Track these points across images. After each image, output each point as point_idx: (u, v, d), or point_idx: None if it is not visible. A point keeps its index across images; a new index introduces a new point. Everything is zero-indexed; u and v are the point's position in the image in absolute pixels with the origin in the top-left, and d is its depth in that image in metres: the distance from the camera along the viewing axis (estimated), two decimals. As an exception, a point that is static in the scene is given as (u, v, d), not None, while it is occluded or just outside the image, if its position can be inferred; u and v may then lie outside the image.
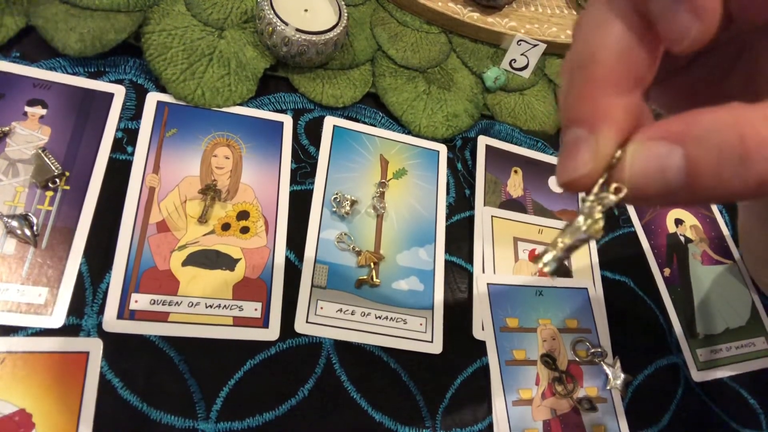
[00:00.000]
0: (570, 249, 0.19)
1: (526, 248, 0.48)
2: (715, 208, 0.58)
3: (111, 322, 0.36)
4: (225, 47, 0.46)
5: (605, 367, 0.44)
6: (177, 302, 0.37)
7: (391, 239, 0.45)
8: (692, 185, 0.16)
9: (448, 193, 0.49)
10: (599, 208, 0.18)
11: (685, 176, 0.16)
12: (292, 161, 0.45)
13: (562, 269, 0.24)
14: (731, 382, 0.49)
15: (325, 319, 0.40)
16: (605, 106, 0.17)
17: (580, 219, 0.19)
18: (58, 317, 0.35)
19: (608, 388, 0.44)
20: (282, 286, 0.40)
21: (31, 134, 0.39)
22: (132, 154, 0.41)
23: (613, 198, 0.18)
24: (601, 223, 0.18)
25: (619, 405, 0.44)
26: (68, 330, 0.35)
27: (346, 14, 0.47)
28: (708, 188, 0.16)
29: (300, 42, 0.45)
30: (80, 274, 0.36)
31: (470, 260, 0.46)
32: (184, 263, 0.39)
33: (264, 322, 0.39)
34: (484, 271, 0.46)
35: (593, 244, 0.51)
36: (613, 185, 0.18)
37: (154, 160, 0.41)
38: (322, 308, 0.40)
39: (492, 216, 0.48)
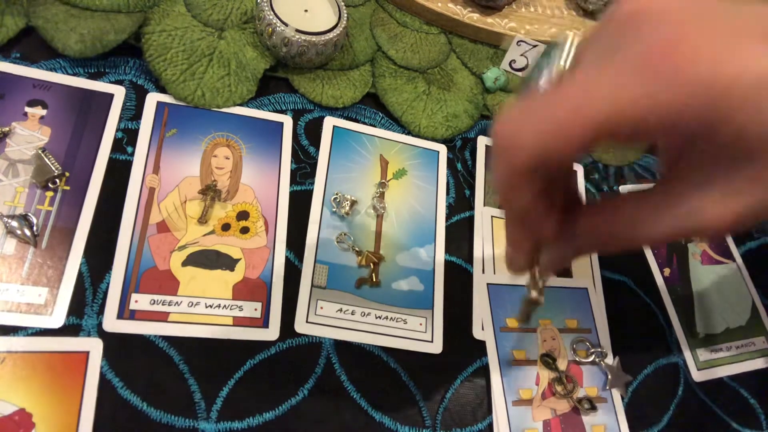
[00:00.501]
0: (527, 312, 0.31)
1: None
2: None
3: (111, 322, 0.36)
4: (225, 48, 0.46)
5: (605, 367, 0.44)
6: (177, 302, 0.37)
7: (391, 239, 0.45)
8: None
9: (448, 193, 0.49)
10: (539, 286, 0.30)
11: (577, 255, 0.29)
12: (292, 161, 0.45)
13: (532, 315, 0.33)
14: (731, 381, 0.49)
15: (325, 319, 0.40)
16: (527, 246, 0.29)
17: (533, 293, 0.30)
18: (58, 317, 0.35)
19: (608, 388, 0.44)
20: (282, 286, 0.40)
21: (31, 134, 0.40)
22: (132, 154, 0.41)
23: (540, 284, 0.30)
24: (542, 298, 0.30)
25: (619, 405, 0.44)
26: (68, 330, 0.35)
27: (345, 15, 0.48)
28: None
29: (300, 42, 0.45)
30: (80, 274, 0.36)
31: (470, 260, 0.46)
32: (184, 263, 0.39)
33: (264, 322, 0.39)
34: (484, 272, 0.46)
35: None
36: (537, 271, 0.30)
37: (154, 160, 0.41)
38: (322, 308, 0.40)
39: (492, 216, 0.48)
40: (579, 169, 0.55)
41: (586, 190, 0.54)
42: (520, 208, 0.25)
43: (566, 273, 0.48)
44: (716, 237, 0.28)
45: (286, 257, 0.41)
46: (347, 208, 0.44)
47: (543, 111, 0.22)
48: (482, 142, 0.52)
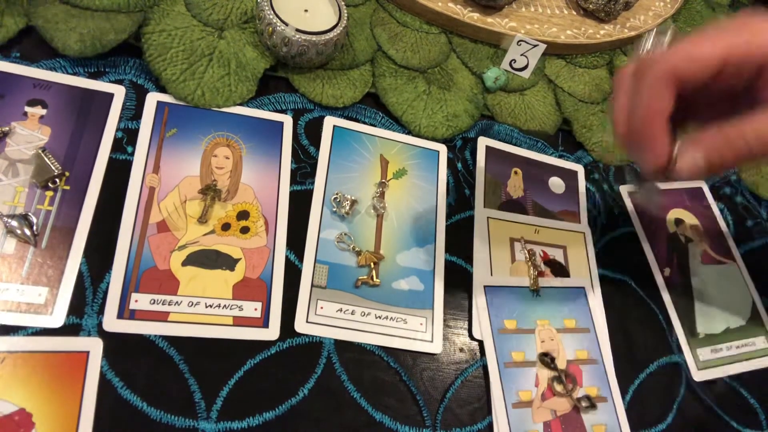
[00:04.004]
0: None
1: (523, 249, 0.48)
2: (715, 208, 0.58)
3: (111, 321, 0.36)
4: (225, 47, 0.46)
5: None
6: (177, 302, 0.37)
7: (391, 239, 0.45)
8: (714, 167, 0.33)
9: (448, 193, 0.49)
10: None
11: (705, 163, 0.33)
12: (292, 161, 0.45)
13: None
14: (731, 381, 0.49)
15: (325, 319, 0.40)
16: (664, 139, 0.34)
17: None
18: (58, 317, 0.35)
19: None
20: (282, 286, 0.40)
21: (31, 134, 0.40)
22: (132, 154, 0.41)
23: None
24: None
25: (619, 404, 0.44)
26: (68, 329, 0.35)
27: (346, 14, 0.48)
28: (721, 165, 0.33)
29: (300, 42, 0.45)
30: (80, 274, 0.36)
31: (470, 260, 0.46)
32: (184, 263, 0.39)
33: (264, 322, 0.39)
34: (481, 274, 0.46)
35: (590, 243, 0.51)
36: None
37: (154, 160, 0.41)
38: (322, 308, 0.40)
39: (488, 218, 0.48)
40: (579, 169, 0.55)
41: (587, 190, 0.54)
42: (658, 105, 0.33)
43: (564, 272, 0.48)
44: None
45: (286, 257, 0.41)
46: (347, 207, 0.44)
47: (691, 45, 0.33)
48: (482, 142, 0.52)
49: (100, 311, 0.36)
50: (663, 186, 0.57)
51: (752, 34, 0.32)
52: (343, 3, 0.48)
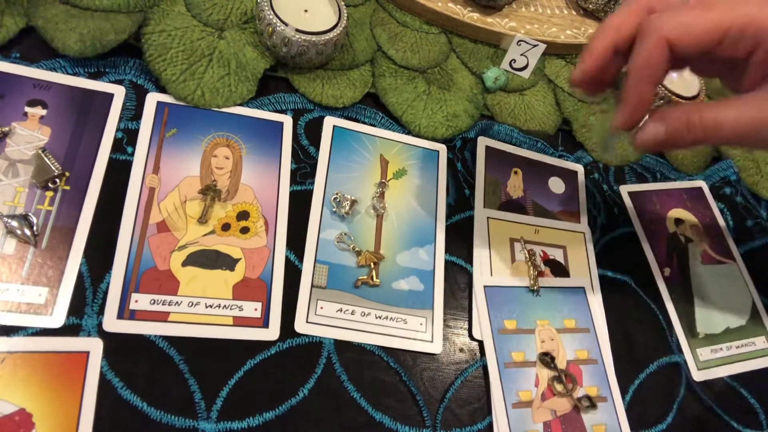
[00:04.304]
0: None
1: (523, 249, 0.48)
2: (715, 208, 0.58)
3: (111, 322, 0.36)
4: (225, 48, 0.46)
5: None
6: (177, 302, 0.37)
7: (391, 239, 0.45)
8: (669, 142, 0.36)
9: (448, 193, 0.49)
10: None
11: (664, 137, 0.36)
12: (292, 161, 0.45)
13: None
14: (731, 381, 0.49)
15: (325, 319, 0.40)
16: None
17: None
18: (58, 317, 0.35)
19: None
20: (282, 286, 0.40)
21: (31, 134, 0.40)
22: (132, 154, 0.41)
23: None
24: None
25: (619, 404, 0.44)
26: (68, 330, 0.35)
27: (345, 14, 0.48)
28: (676, 143, 0.36)
29: (300, 42, 0.45)
30: (80, 274, 0.36)
31: (470, 260, 0.46)
32: (184, 263, 0.39)
33: (264, 322, 0.39)
34: (481, 274, 0.46)
35: (590, 243, 0.51)
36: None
37: (154, 160, 0.41)
38: (322, 308, 0.40)
39: (488, 218, 0.48)
40: (579, 169, 0.55)
41: (587, 190, 0.54)
42: (648, 70, 0.35)
43: (563, 272, 0.48)
44: None
45: (286, 257, 0.41)
46: (347, 208, 0.44)
47: (686, 15, 0.34)
48: (482, 142, 0.52)
49: (100, 311, 0.36)
50: (660, 186, 0.57)
51: (756, 7, 0.32)
52: (342, 3, 0.48)
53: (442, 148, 0.51)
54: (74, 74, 0.42)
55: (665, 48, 0.34)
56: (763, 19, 0.32)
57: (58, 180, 0.38)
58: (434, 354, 0.42)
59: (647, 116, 0.37)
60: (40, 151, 0.39)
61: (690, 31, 0.33)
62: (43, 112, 0.40)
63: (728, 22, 0.33)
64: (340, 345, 0.40)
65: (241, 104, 0.45)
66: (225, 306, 0.38)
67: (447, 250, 0.46)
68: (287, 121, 0.46)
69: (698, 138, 0.35)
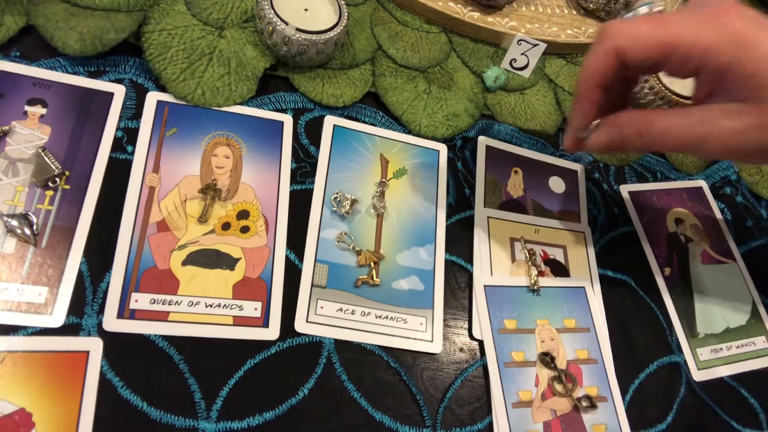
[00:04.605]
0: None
1: (523, 248, 0.48)
2: (715, 208, 0.58)
3: (111, 321, 0.36)
4: (225, 47, 0.46)
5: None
6: (177, 302, 0.37)
7: (391, 239, 0.45)
8: (622, 146, 0.38)
9: (448, 193, 0.49)
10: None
11: (619, 142, 0.38)
12: (292, 161, 0.45)
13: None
14: (731, 381, 0.49)
15: (325, 319, 0.40)
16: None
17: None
18: (58, 316, 0.35)
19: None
20: (282, 285, 0.40)
21: (31, 133, 0.39)
22: (132, 153, 0.41)
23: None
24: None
25: (619, 404, 0.44)
26: (68, 329, 0.35)
27: (346, 14, 0.47)
28: (628, 148, 0.38)
29: (300, 41, 0.45)
30: (80, 274, 0.36)
31: (470, 260, 0.46)
32: (184, 263, 0.39)
33: (264, 322, 0.39)
34: (481, 273, 0.46)
35: (590, 243, 0.51)
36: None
37: (154, 159, 0.41)
38: (322, 308, 0.40)
39: (488, 217, 0.48)
40: (579, 169, 0.55)
41: (587, 190, 0.54)
42: (595, 75, 0.37)
43: (563, 272, 0.48)
44: (717, 148, 0.35)
45: (286, 257, 0.41)
46: (347, 207, 0.44)
47: (640, 26, 0.35)
48: (482, 141, 0.52)
49: (100, 311, 0.36)
50: (660, 186, 0.58)
51: (705, 28, 0.34)
52: (343, 2, 0.48)
53: (442, 148, 0.50)
54: (74, 73, 0.42)
55: (615, 56, 0.36)
56: (709, 41, 0.33)
57: (58, 179, 0.38)
58: (434, 354, 0.42)
59: (602, 120, 0.39)
60: (40, 150, 0.39)
61: (640, 44, 0.35)
62: (43, 111, 0.40)
63: (676, 40, 0.34)
64: (340, 345, 0.40)
65: (241, 103, 0.45)
66: (225, 305, 0.38)
67: (447, 250, 0.46)
68: (287, 120, 0.46)
69: (647, 144, 0.37)
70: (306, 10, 0.47)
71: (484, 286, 0.45)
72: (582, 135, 0.41)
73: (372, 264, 0.43)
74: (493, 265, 0.46)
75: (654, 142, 0.37)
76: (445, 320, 0.43)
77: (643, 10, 0.40)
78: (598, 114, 0.39)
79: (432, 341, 0.42)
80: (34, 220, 0.37)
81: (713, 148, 0.35)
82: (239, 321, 0.38)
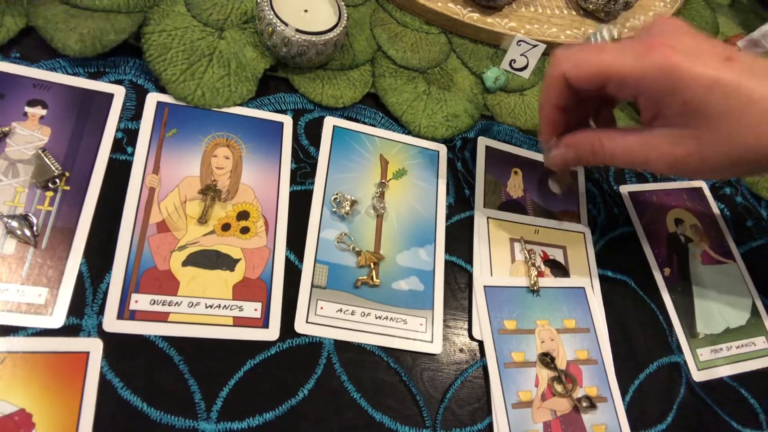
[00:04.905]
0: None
1: (522, 249, 0.48)
2: (715, 208, 0.58)
3: (111, 322, 0.36)
4: (225, 48, 0.46)
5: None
6: (177, 302, 0.37)
7: (391, 239, 0.45)
8: (578, 163, 0.44)
9: (448, 193, 0.49)
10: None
11: (574, 159, 0.43)
12: (292, 161, 0.45)
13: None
14: (731, 381, 0.49)
15: (325, 319, 0.40)
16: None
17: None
18: (58, 317, 0.35)
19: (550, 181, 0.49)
20: (282, 286, 0.40)
21: (31, 134, 0.40)
22: (132, 154, 0.41)
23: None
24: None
25: (619, 404, 0.44)
26: (68, 330, 0.35)
27: (346, 15, 0.48)
28: (583, 164, 0.46)
29: (300, 42, 0.45)
30: (80, 274, 0.36)
31: (470, 261, 0.46)
32: (184, 263, 0.39)
33: (264, 322, 0.39)
34: (481, 274, 0.46)
35: (590, 243, 0.51)
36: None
37: (154, 160, 0.41)
38: (322, 308, 0.40)
39: (488, 218, 0.48)
40: (580, 170, 0.55)
41: (587, 190, 0.54)
42: (549, 97, 0.42)
43: (563, 272, 0.48)
44: (660, 169, 0.39)
45: (286, 257, 0.41)
46: (347, 208, 0.44)
47: (581, 54, 0.39)
48: (482, 142, 0.52)
49: (100, 312, 0.36)
50: (660, 186, 0.58)
51: (636, 59, 0.36)
52: (342, 3, 0.48)
53: (442, 148, 0.51)
54: (74, 74, 0.42)
55: (562, 80, 0.40)
56: (641, 70, 0.36)
57: (58, 180, 0.38)
58: (434, 354, 0.42)
59: (554, 140, 0.44)
60: (40, 151, 0.39)
61: (580, 70, 0.39)
62: (43, 112, 0.40)
63: (609, 68, 0.37)
64: (340, 345, 0.40)
65: (241, 104, 0.45)
66: (225, 306, 0.38)
67: (447, 250, 0.46)
68: (287, 121, 0.46)
69: (600, 162, 0.41)
70: (306, 11, 0.47)
71: (484, 286, 0.45)
72: (545, 151, 0.45)
73: (372, 264, 0.43)
74: (492, 265, 0.46)
75: (606, 160, 0.41)
76: (444, 321, 0.43)
77: (604, 33, 0.44)
78: (560, 131, 0.43)
79: (432, 342, 0.42)
80: (34, 221, 0.37)
81: (658, 168, 0.39)
82: (239, 322, 0.38)
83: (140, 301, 0.37)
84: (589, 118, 0.46)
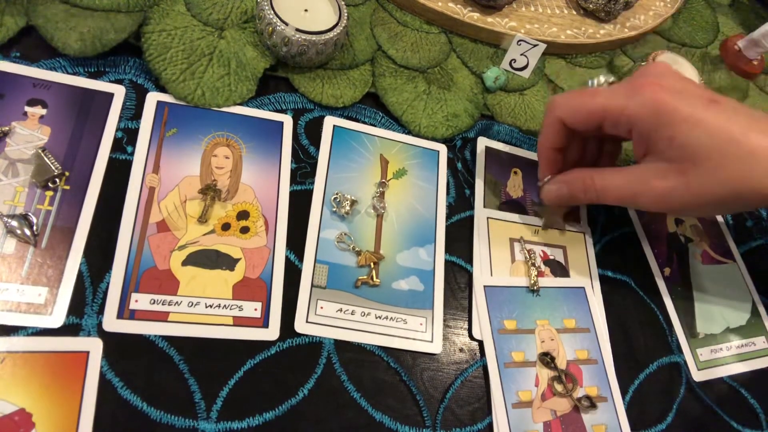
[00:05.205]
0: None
1: (522, 249, 0.48)
2: (715, 208, 0.58)
3: (111, 321, 0.36)
4: (225, 47, 0.46)
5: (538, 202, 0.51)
6: (177, 302, 0.37)
7: (391, 239, 0.45)
8: (571, 200, 0.45)
9: (448, 193, 0.49)
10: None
11: (568, 196, 0.45)
12: (292, 161, 0.45)
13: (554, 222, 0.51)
14: (731, 381, 0.49)
15: (325, 319, 0.40)
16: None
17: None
18: (58, 317, 0.35)
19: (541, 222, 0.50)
20: (282, 286, 0.40)
21: (31, 134, 0.40)
22: (132, 153, 0.41)
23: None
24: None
25: (619, 404, 0.44)
26: (68, 330, 0.35)
27: (346, 14, 0.48)
28: (576, 201, 0.45)
29: (300, 42, 0.45)
30: (80, 274, 0.36)
31: (470, 260, 0.46)
32: (184, 263, 0.39)
33: (264, 322, 0.39)
34: (481, 274, 0.46)
35: (590, 244, 0.51)
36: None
37: (154, 159, 0.41)
38: (322, 308, 0.40)
39: (488, 218, 0.48)
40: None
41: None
42: (546, 140, 0.45)
43: (563, 272, 0.48)
44: (649, 203, 0.41)
45: (286, 257, 0.41)
46: (347, 207, 0.44)
47: (576, 99, 0.43)
48: (482, 142, 0.52)
49: (100, 311, 0.36)
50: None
51: (627, 98, 0.39)
52: (343, 3, 0.48)
53: (442, 148, 0.50)
54: (74, 74, 0.42)
55: (559, 124, 0.43)
56: (633, 110, 0.39)
57: (57, 180, 0.38)
58: (434, 354, 0.42)
59: (553, 177, 0.46)
60: (39, 151, 0.39)
61: (576, 115, 0.42)
62: (43, 111, 0.40)
63: (603, 109, 0.41)
64: (340, 345, 0.40)
65: (241, 104, 0.45)
66: (225, 306, 0.38)
67: (447, 250, 0.46)
68: (287, 120, 0.46)
69: (592, 199, 0.43)
70: (306, 10, 0.47)
71: (484, 286, 0.45)
72: (540, 186, 0.48)
73: (372, 264, 0.43)
74: (492, 265, 0.46)
75: (598, 197, 0.43)
76: (444, 320, 0.43)
77: (601, 80, 0.47)
78: (558, 169, 0.46)
79: (432, 341, 0.42)
80: (34, 220, 0.37)
81: (645, 203, 0.41)
82: (239, 321, 0.38)
83: (140, 301, 0.37)
84: (592, 154, 0.48)
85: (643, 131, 0.39)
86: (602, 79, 0.47)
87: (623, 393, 0.45)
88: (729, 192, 0.37)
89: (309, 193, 0.44)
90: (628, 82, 0.41)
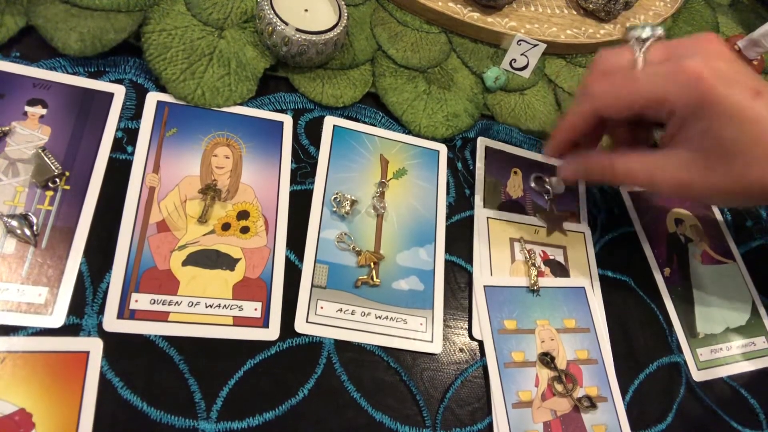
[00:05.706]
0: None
1: (522, 249, 0.48)
2: (715, 208, 0.58)
3: (111, 321, 0.36)
4: (225, 47, 0.46)
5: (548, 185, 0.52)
6: (177, 302, 0.37)
7: (391, 239, 0.45)
8: (586, 179, 0.50)
9: (448, 193, 0.49)
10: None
11: (584, 176, 0.45)
12: (292, 161, 0.45)
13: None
14: (731, 381, 0.49)
15: (325, 319, 0.40)
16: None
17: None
18: (58, 317, 0.35)
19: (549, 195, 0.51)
20: (282, 286, 0.40)
21: (31, 134, 0.39)
22: (132, 153, 0.41)
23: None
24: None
25: (619, 404, 0.44)
26: (68, 330, 0.35)
27: (346, 14, 0.48)
28: (593, 181, 0.52)
29: (300, 42, 0.45)
30: (80, 274, 0.36)
31: (470, 260, 0.46)
32: (184, 263, 0.39)
33: (264, 322, 0.39)
34: (481, 274, 0.46)
35: (590, 244, 0.51)
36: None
37: (154, 159, 0.41)
38: (322, 308, 0.40)
39: (488, 218, 0.48)
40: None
41: (587, 190, 0.54)
42: (574, 127, 0.44)
43: (563, 272, 0.48)
44: (665, 190, 0.41)
45: (286, 257, 0.41)
46: (347, 207, 0.44)
47: (614, 89, 0.40)
48: (482, 142, 0.52)
49: (100, 311, 0.36)
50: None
51: (671, 83, 0.37)
52: (343, 2, 0.48)
53: (442, 148, 0.50)
54: (74, 73, 0.42)
55: (593, 117, 0.42)
56: (675, 96, 0.37)
57: (58, 179, 0.38)
58: (434, 354, 0.42)
59: (573, 156, 0.45)
60: (40, 151, 0.39)
61: (615, 106, 0.40)
62: (43, 111, 0.40)
63: (646, 99, 0.39)
64: (340, 345, 0.40)
65: (241, 104, 0.45)
66: (225, 306, 0.38)
67: (447, 250, 0.46)
68: (287, 120, 0.46)
69: (609, 180, 0.45)
70: (306, 10, 0.47)
71: (484, 286, 0.45)
72: (556, 162, 0.47)
73: (372, 264, 0.43)
74: (492, 265, 0.46)
75: (615, 179, 0.43)
76: (445, 320, 0.43)
77: (647, 32, 0.41)
78: (570, 150, 0.46)
79: (432, 341, 0.42)
80: (34, 220, 0.37)
81: (663, 190, 0.41)
82: (239, 321, 0.38)
83: (140, 301, 0.37)
84: (602, 133, 0.48)
85: (681, 118, 0.38)
86: (648, 31, 0.42)
87: (623, 393, 0.45)
88: (750, 188, 0.37)
89: (309, 193, 0.44)
90: (672, 63, 0.38)
